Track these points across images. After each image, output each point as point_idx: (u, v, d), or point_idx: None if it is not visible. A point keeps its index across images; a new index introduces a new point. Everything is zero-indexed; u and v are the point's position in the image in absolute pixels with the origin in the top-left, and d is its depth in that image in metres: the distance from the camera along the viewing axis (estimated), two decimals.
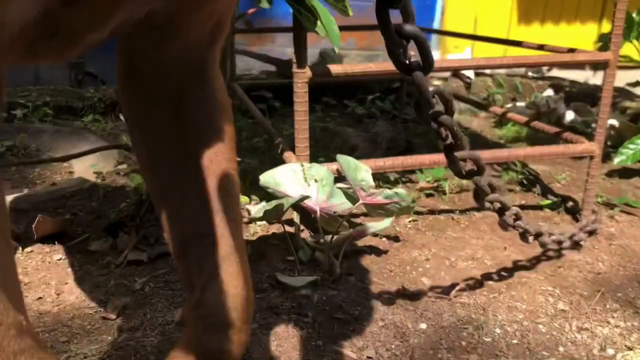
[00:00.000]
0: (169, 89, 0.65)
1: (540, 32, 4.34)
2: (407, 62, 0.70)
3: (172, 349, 0.67)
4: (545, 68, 3.39)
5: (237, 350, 0.66)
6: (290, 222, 1.45)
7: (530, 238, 1.22)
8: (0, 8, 0.44)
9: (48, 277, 1.32)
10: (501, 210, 1.07)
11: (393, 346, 1.05)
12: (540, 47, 1.80)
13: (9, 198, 1.66)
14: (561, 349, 1.07)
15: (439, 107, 0.77)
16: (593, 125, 2.66)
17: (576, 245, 1.48)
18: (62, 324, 1.12)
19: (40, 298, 1.24)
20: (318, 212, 1.37)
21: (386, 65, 1.46)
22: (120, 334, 1.07)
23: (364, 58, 4.26)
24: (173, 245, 0.69)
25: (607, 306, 1.24)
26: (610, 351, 1.07)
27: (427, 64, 0.69)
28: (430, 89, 0.74)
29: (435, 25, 4.15)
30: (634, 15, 2.32)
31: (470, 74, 3.33)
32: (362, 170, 1.38)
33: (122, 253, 1.40)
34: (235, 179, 0.70)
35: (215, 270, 0.65)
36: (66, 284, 1.29)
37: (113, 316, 1.13)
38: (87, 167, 1.95)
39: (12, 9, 0.46)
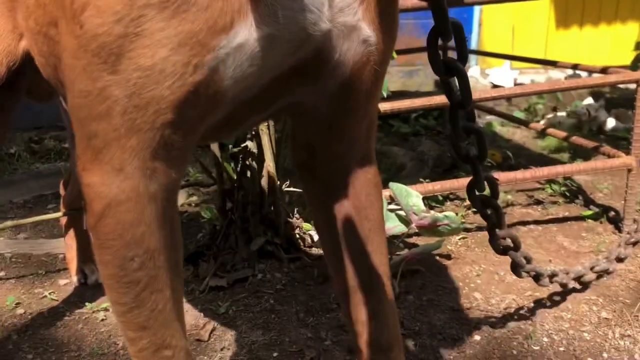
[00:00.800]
0: (340, 174, 0.84)
1: (579, 36, 4.39)
2: (467, 154, 0.83)
3: None
4: (585, 74, 3.45)
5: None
6: None
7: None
8: (200, 125, 0.63)
9: None
10: (537, 277, 1.22)
11: (451, 357, 1.19)
12: (574, 67, 1.91)
13: None
14: (605, 355, 1.19)
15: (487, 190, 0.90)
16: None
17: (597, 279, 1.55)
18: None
19: (103, 320, 1.43)
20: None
21: (428, 100, 1.61)
22: (214, 354, 1.25)
23: (404, 74, 4.40)
24: (338, 293, 0.91)
25: None
26: None
27: (482, 154, 0.81)
28: (484, 174, 0.86)
29: (474, 36, 4.26)
30: None
31: (510, 84, 3.43)
32: (413, 196, 1.53)
33: (203, 280, 1.58)
34: (385, 242, 0.89)
35: (374, 311, 0.88)
36: None
37: (205, 338, 1.31)
38: None
39: (209, 120, 0.65)
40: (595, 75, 1.74)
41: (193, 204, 2.14)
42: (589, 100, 3.12)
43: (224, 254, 1.68)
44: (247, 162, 1.64)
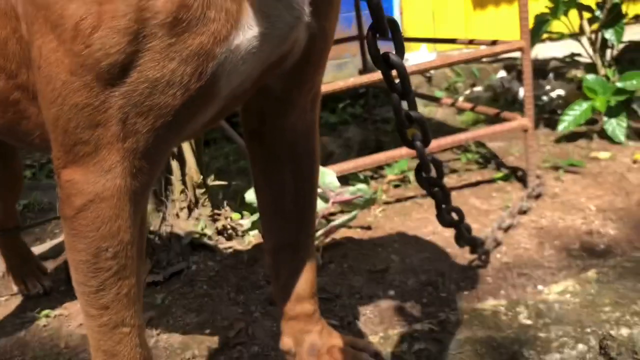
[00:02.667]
0: (286, 143, 0.94)
1: (496, 15, 4.62)
2: (411, 139, 0.92)
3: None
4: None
5: (312, 309, 1.02)
6: None
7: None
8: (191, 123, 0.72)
9: None
10: (474, 246, 1.34)
11: (368, 311, 1.31)
12: (470, 42, 2.07)
13: (41, 249, 1.92)
14: (502, 292, 1.33)
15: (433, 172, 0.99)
16: (544, 97, 2.92)
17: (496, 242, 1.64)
18: None
19: (81, 324, 1.49)
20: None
21: (353, 81, 1.73)
22: (150, 339, 1.33)
23: (333, 67, 4.53)
24: (267, 247, 1.03)
25: (545, 253, 1.50)
26: (540, 287, 1.32)
27: (426, 139, 0.91)
28: (429, 157, 0.95)
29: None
30: None
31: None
32: (328, 175, 1.64)
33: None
34: (314, 208, 1.01)
35: (297, 266, 0.99)
36: None
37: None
38: None
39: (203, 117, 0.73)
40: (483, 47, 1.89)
41: None
42: (503, 74, 3.31)
43: (159, 252, 1.76)
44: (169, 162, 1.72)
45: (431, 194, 1.03)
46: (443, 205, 1.06)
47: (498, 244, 1.55)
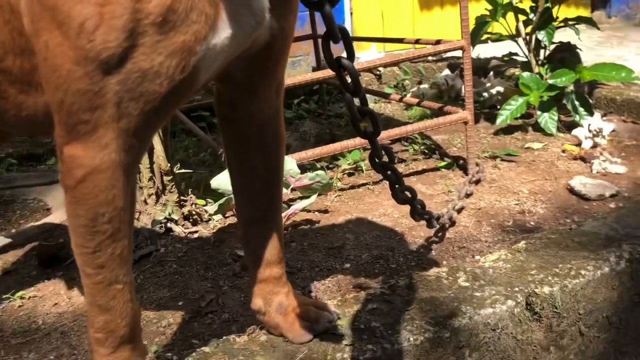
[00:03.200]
0: (255, 127, 1.07)
1: (441, 16, 4.85)
2: (365, 131, 1.05)
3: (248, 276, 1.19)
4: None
5: (280, 273, 1.17)
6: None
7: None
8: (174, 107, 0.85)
9: (57, 288, 1.66)
10: (429, 220, 1.47)
11: (327, 282, 1.46)
12: (417, 42, 2.24)
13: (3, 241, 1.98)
14: (444, 262, 1.50)
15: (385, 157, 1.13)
16: (484, 94, 3.14)
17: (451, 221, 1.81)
18: (81, 316, 1.48)
19: (56, 304, 1.59)
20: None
21: (311, 76, 1.87)
22: None
23: (287, 65, 4.67)
24: (239, 220, 1.16)
25: (482, 230, 1.68)
26: (477, 257, 1.50)
27: (376, 130, 1.04)
28: (380, 145, 1.09)
29: (346, 25, 4.58)
30: None
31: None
32: (288, 162, 1.77)
33: None
34: (281, 185, 1.14)
35: (266, 236, 1.12)
36: (73, 290, 1.64)
37: None
38: (62, 201, 2.28)
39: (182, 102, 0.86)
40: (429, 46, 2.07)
41: None
42: (447, 72, 3.52)
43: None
44: None
45: (385, 177, 1.18)
46: (396, 186, 1.21)
47: (453, 223, 1.72)
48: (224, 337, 1.22)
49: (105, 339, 0.91)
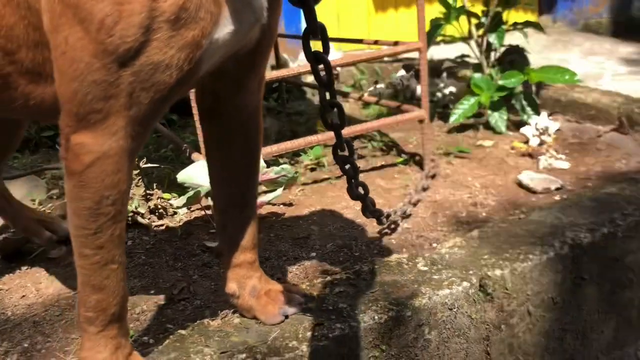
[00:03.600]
0: (240, 118, 1.13)
1: (396, 17, 4.99)
2: (331, 123, 1.12)
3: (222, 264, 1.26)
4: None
5: (253, 258, 1.24)
6: (207, 207, 1.89)
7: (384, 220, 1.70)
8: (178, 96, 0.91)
9: (23, 282, 1.68)
10: (379, 217, 1.55)
11: (294, 269, 1.53)
12: (375, 43, 2.34)
13: None
14: (404, 250, 1.60)
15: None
16: (438, 94, 3.27)
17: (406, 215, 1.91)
18: (52, 306, 1.50)
19: (23, 296, 1.60)
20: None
21: (277, 73, 1.93)
22: None
23: None
24: (217, 207, 1.22)
25: (438, 220, 1.79)
26: (435, 245, 1.60)
27: (342, 123, 1.10)
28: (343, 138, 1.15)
29: (303, 25, 4.66)
30: (450, 1, 2.91)
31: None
32: None
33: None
34: (258, 174, 1.21)
35: (242, 222, 1.19)
36: (41, 283, 1.66)
37: None
38: (24, 195, 2.27)
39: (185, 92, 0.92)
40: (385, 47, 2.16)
41: (55, 196, 2.28)
42: (402, 72, 3.64)
43: None
44: None
45: (343, 170, 1.26)
46: (352, 181, 1.29)
47: (408, 215, 1.82)
48: (198, 321, 1.28)
49: (97, 317, 0.96)
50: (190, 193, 1.74)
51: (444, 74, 3.48)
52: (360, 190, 1.33)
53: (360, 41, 2.46)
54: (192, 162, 1.90)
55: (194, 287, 1.48)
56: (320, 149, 2.37)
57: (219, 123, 1.14)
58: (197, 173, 1.83)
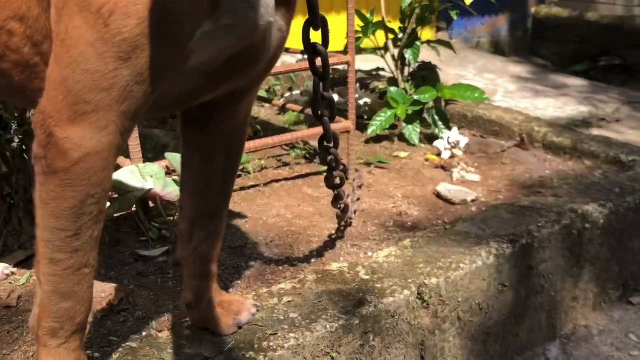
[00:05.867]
0: (227, 129, 1.09)
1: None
2: (321, 114, 1.13)
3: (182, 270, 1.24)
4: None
5: (214, 270, 1.23)
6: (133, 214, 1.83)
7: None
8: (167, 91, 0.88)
9: None
10: (344, 209, 1.60)
11: (234, 279, 1.53)
12: (302, 53, 2.38)
13: None
14: (341, 258, 1.65)
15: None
16: (360, 101, 3.37)
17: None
18: None
19: None
20: (158, 200, 1.78)
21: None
22: (26, 314, 1.39)
23: None
24: (185, 215, 1.17)
25: (368, 229, 1.86)
26: (370, 253, 1.67)
27: (332, 115, 1.13)
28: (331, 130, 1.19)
29: None
30: (368, 16, 3.02)
31: None
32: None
33: None
34: (233, 185, 1.20)
35: (210, 232, 1.17)
36: None
37: (14, 303, 1.43)
38: None
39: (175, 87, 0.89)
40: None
41: None
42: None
43: (9, 237, 1.77)
44: (25, 146, 1.75)
45: (326, 160, 1.30)
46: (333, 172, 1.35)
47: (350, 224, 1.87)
48: (145, 332, 1.25)
49: (61, 327, 0.92)
50: (122, 199, 1.68)
51: (357, 85, 3.59)
52: (337, 181, 1.40)
53: (286, 50, 2.49)
54: (118, 167, 1.84)
55: (133, 297, 1.44)
56: (246, 156, 2.37)
57: (204, 132, 1.10)
58: (125, 178, 1.77)
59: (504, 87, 4.16)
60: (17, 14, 0.92)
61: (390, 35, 2.97)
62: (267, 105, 3.56)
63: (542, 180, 2.32)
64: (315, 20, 1.01)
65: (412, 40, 2.86)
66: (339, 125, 2.21)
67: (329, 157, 1.30)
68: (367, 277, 1.44)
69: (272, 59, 1.03)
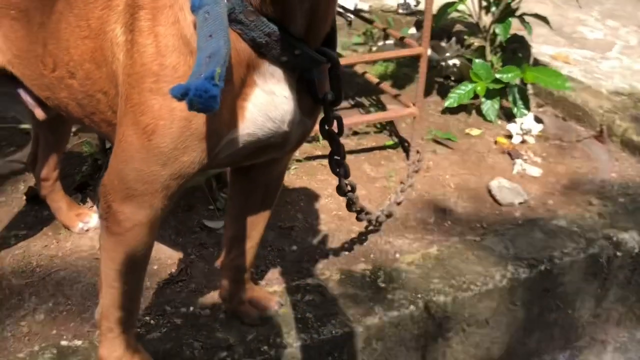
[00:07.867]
0: (264, 180, 1.37)
1: None
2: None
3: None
4: (413, 4, 4.03)
5: (247, 278, 1.51)
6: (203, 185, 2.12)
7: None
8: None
9: (45, 229, 1.95)
10: (359, 214, 1.74)
11: (276, 262, 1.81)
12: (384, 30, 2.46)
13: None
14: (372, 255, 1.87)
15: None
16: (442, 63, 3.39)
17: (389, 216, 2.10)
18: (70, 264, 1.79)
19: (45, 246, 1.88)
20: (228, 172, 2.05)
21: None
22: None
23: None
24: (227, 236, 1.48)
25: (408, 224, 2.04)
26: (397, 255, 1.87)
27: (340, 131, 1.22)
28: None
29: None
30: None
31: (351, 7, 3.92)
32: None
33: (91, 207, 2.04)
34: (269, 218, 1.46)
35: (245, 250, 1.45)
36: (60, 234, 1.93)
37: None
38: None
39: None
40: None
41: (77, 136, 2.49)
42: (413, 30, 3.72)
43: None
44: None
45: (336, 173, 1.42)
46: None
47: (391, 215, 2.04)
48: (191, 309, 1.57)
49: (116, 327, 1.27)
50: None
51: (453, 39, 3.56)
52: (348, 187, 1.57)
53: (371, 22, 2.58)
54: None
55: (191, 269, 1.76)
56: None
57: (247, 179, 1.37)
58: None
59: (625, 40, 3.78)
60: (102, 89, 1.20)
61: (484, 3, 2.92)
62: (360, 50, 3.67)
63: (602, 186, 2.34)
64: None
65: (505, 15, 2.81)
66: (404, 111, 2.33)
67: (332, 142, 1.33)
68: (383, 285, 1.66)
69: (299, 141, 1.22)
